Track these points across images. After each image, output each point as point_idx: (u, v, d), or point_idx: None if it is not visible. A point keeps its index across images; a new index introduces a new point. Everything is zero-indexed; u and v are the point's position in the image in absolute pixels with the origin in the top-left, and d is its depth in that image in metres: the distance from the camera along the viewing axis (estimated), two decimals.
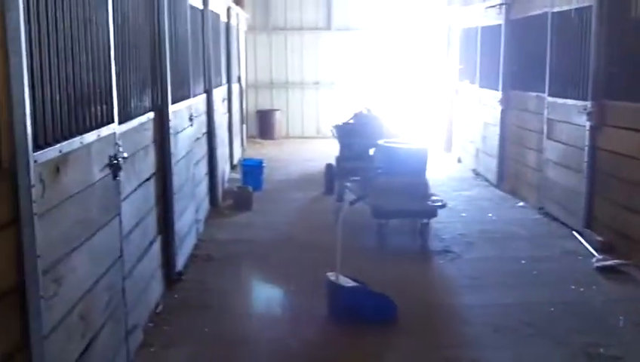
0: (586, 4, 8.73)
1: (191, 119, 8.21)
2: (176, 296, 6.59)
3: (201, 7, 9.77)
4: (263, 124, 19.29)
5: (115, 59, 4.78)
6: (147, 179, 5.97)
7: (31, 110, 3.21)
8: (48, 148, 3.49)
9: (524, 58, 11.30)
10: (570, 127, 9.20)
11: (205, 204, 9.59)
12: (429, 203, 8.46)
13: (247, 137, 18.14)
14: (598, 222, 8.47)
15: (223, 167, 11.87)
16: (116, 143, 4.72)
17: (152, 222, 6.16)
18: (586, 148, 8.63)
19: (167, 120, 6.68)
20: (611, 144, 8.18)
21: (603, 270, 7.37)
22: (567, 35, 9.40)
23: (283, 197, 11.39)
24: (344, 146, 10.63)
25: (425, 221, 8.39)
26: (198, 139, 8.90)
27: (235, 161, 13.93)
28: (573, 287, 6.91)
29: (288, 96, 19.75)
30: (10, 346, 3.16)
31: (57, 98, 3.68)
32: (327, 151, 13.97)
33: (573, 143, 9.07)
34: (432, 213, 8.42)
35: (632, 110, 7.71)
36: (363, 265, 7.20)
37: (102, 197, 4.46)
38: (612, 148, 8.16)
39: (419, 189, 8.45)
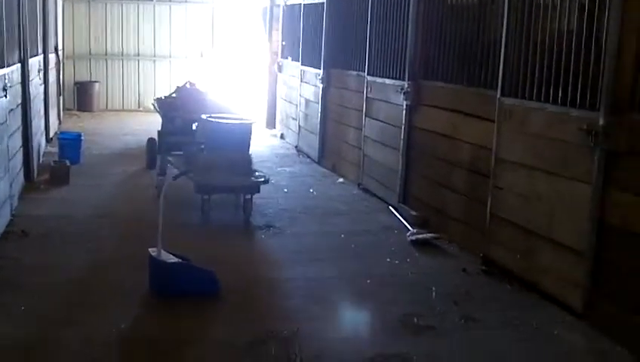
0: None
1: (5, 89, 7.84)
2: None
3: None
4: (82, 96, 18.66)
5: None
6: None
7: None
8: None
9: (345, 37, 11.55)
10: (388, 106, 9.53)
11: (20, 179, 9.20)
12: (252, 178, 8.52)
13: (65, 109, 17.50)
14: (413, 197, 8.85)
15: (39, 140, 11.42)
16: None
17: None
18: (403, 127, 8.97)
19: None
20: (427, 123, 8.55)
21: (417, 243, 7.71)
22: (387, 16, 9.70)
23: (103, 172, 11.11)
24: (167, 120, 10.47)
25: (248, 196, 8.45)
26: (12, 110, 8.50)
27: (52, 134, 13.42)
28: (388, 260, 7.19)
29: (108, 68, 19.20)
30: None
31: None
32: (149, 125, 13.78)
33: (391, 122, 9.39)
34: (255, 188, 8.48)
35: (447, 90, 8.09)
36: (187, 241, 7.16)
37: None
38: (428, 127, 8.53)
39: (242, 165, 8.49)
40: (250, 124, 9.00)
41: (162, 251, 6.03)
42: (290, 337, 5.20)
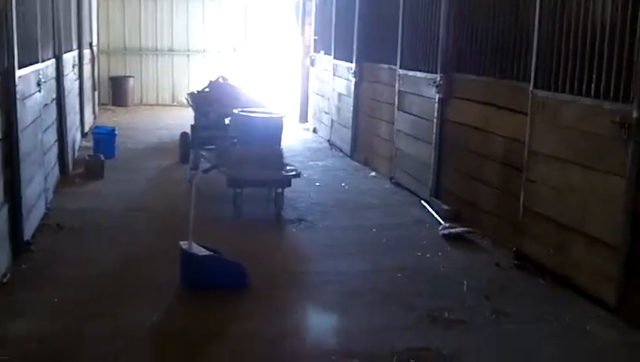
0: None
1: (39, 84, 7.92)
2: (23, 266, 6.37)
3: None
4: (116, 91, 18.84)
5: None
6: None
7: None
8: None
9: (377, 31, 11.52)
10: (420, 99, 9.48)
11: (55, 173, 9.30)
12: (284, 172, 8.53)
13: (100, 104, 17.67)
14: (445, 191, 8.81)
15: (74, 134, 11.54)
16: None
17: None
18: (435, 120, 8.92)
19: (14, 85, 6.42)
20: (459, 116, 8.49)
21: (449, 237, 7.67)
22: (418, 9, 9.65)
23: (137, 166, 11.21)
24: (200, 115, 10.55)
25: (279, 190, 8.47)
26: (46, 105, 8.59)
27: (87, 129, 13.56)
28: (419, 254, 7.16)
29: (142, 63, 19.35)
30: None
31: None
32: (183, 119, 13.86)
33: (423, 115, 9.35)
34: (286, 182, 8.49)
35: (479, 83, 8.03)
36: (219, 234, 7.21)
37: None
38: (460, 119, 8.47)
39: (273, 159, 8.51)
40: (282, 117, 9.02)
41: (193, 244, 6.07)
42: (321, 331, 5.21)
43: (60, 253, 6.87)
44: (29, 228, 7.01)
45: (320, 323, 5.36)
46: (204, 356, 4.92)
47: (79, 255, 6.87)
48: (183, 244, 6.09)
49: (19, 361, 4.70)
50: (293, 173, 8.59)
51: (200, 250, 6.09)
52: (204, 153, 9.55)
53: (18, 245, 6.57)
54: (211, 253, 6.12)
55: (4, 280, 5.94)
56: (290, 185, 8.56)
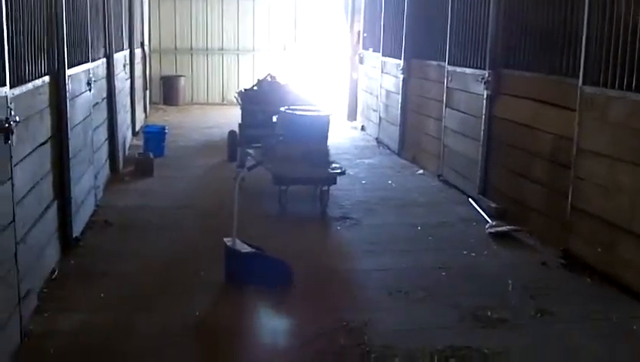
0: None
1: (89, 84, 8.05)
2: (72, 261, 6.49)
3: None
4: (167, 90, 19.04)
5: (6, 22, 4.64)
6: (42, 144, 5.86)
7: None
8: None
9: (426, 27, 11.46)
10: (468, 96, 9.41)
11: (105, 170, 9.44)
12: (329, 170, 8.54)
13: (151, 103, 17.88)
14: (493, 189, 8.73)
15: (124, 133, 11.70)
16: (8, 107, 4.61)
17: (47, 187, 6.05)
18: (483, 117, 8.85)
19: (64, 84, 6.54)
20: (507, 113, 8.41)
21: (496, 236, 7.60)
22: (467, 5, 9.58)
23: (185, 164, 11.32)
24: (247, 113, 10.62)
25: (325, 187, 8.48)
26: (97, 104, 8.72)
27: (138, 128, 13.73)
28: (465, 252, 7.10)
29: (193, 62, 19.54)
30: None
31: None
32: (232, 117, 13.93)
33: (472, 112, 9.28)
34: (331, 180, 8.50)
35: (527, 79, 7.94)
36: (263, 231, 7.28)
37: None
38: (508, 116, 8.39)
39: (319, 156, 8.52)
40: (328, 115, 9.02)
41: (237, 241, 6.11)
42: (361, 327, 5.20)
43: (108, 250, 6.98)
44: (78, 225, 7.13)
45: (360, 320, 5.34)
46: (247, 351, 4.96)
47: (127, 251, 6.96)
48: (227, 241, 6.14)
49: (68, 354, 4.80)
50: (339, 170, 8.59)
51: (243, 247, 6.13)
52: (250, 151, 9.60)
53: (67, 241, 6.70)
54: (254, 250, 6.16)
55: (54, 276, 6.05)
56: (335, 183, 8.57)
